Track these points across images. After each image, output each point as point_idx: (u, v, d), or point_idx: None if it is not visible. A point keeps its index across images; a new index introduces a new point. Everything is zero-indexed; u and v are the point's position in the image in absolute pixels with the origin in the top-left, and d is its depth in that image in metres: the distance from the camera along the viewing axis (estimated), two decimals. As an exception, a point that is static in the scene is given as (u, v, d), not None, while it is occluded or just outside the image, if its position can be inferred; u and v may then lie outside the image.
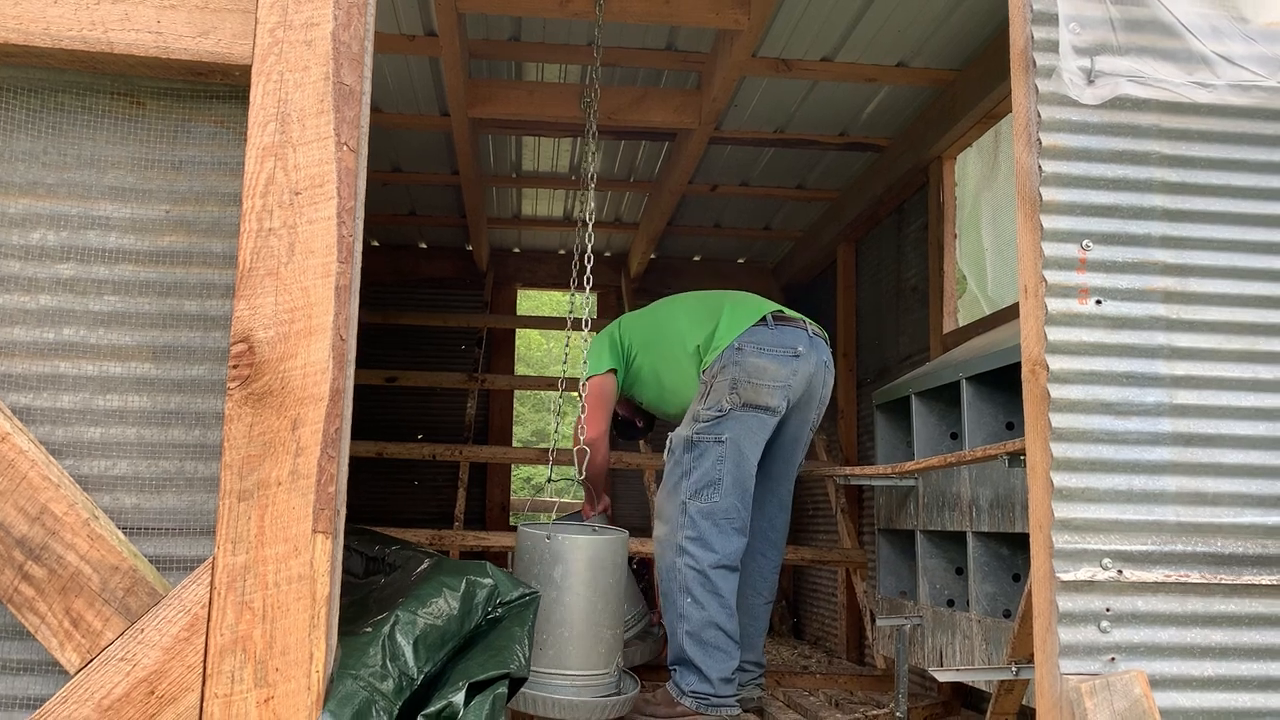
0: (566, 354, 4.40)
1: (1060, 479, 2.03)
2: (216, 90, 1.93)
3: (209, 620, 1.74)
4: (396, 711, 1.90)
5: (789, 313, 4.06)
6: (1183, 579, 2.03)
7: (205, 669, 1.73)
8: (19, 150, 1.92)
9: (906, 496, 4.29)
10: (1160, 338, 2.10)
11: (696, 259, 8.14)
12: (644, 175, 6.48)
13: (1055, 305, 2.08)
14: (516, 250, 8.04)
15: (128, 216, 1.92)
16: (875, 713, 4.17)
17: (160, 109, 1.94)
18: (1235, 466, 2.08)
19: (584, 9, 4.19)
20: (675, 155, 5.81)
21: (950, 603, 4.04)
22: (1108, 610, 2.01)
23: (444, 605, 2.15)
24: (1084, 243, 2.11)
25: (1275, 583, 2.04)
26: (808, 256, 7.23)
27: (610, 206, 7.13)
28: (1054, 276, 2.09)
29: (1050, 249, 2.10)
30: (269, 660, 1.74)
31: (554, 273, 8.01)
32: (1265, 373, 2.11)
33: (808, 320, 4.10)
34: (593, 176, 4.21)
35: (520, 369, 11.21)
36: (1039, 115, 2.13)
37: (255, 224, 1.82)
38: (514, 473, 8.72)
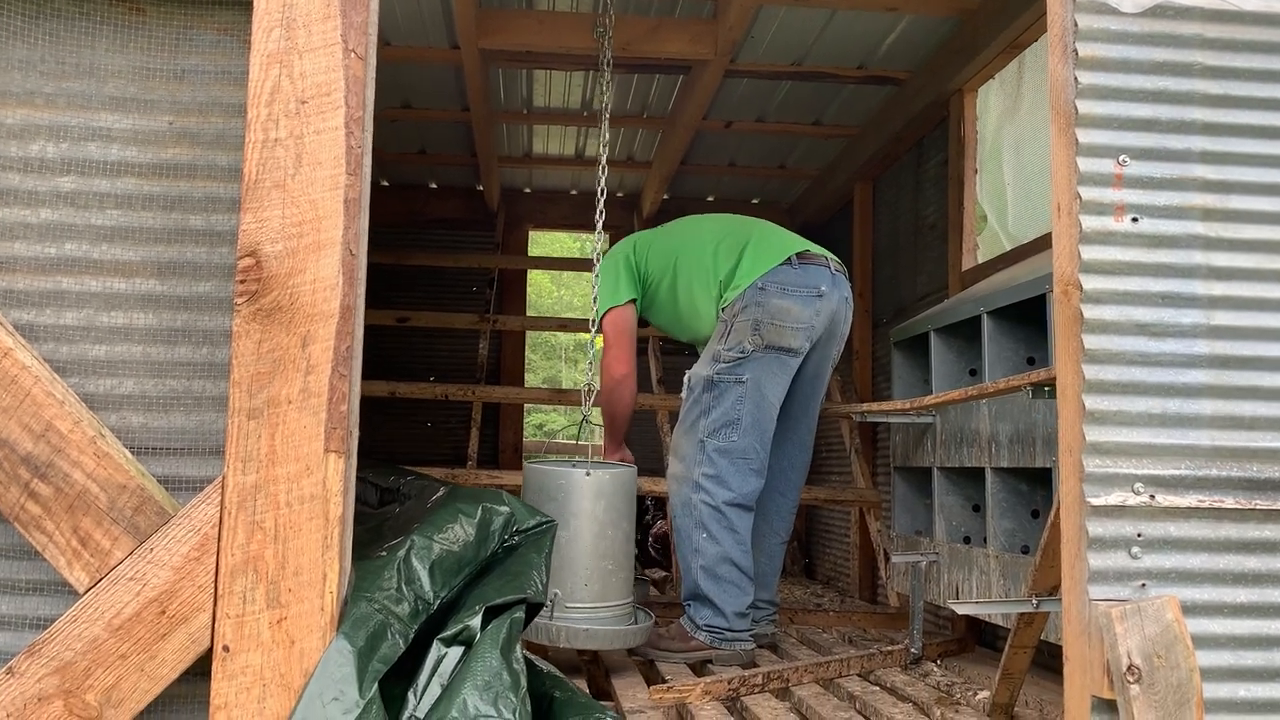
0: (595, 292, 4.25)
1: (1092, 402, 1.97)
2: (219, -5, 1.86)
3: (220, 540, 1.70)
4: (412, 635, 1.87)
5: (813, 249, 3.97)
6: (1217, 504, 1.98)
7: (217, 589, 1.70)
8: (15, 58, 1.85)
9: (924, 434, 4.24)
10: (1198, 257, 2.03)
11: (710, 199, 8.04)
12: (657, 111, 6.37)
13: (1090, 223, 2.00)
14: (528, 190, 7.95)
15: (129, 128, 1.85)
16: (890, 648, 4.15)
17: (161, 15, 1.87)
18: (1273, 390, 2.01)
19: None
20: (689, 89, 5.70)
21: (967, 540, 4.00)
22: (1139, 536, 1.96)
23: (460, 531, 2.12)
24: (1121, 158, 2.03)
25: (1312, 508, 1.98)
26: (824, 195, 7.12)
27: (623, 144, 7.03)
28: (1089, 193, 2.01)
29: (1085, 164, 2.02)
30: (281, 581, 1.70)
31: (566, 213, 7.93)
32: (1306, 293, 2.04)
33: (829, 256, 4.01)
34: (606, 105, 4.12)
35: (531, 314, 11.16)
36: (1076, 24, 2.04)
37: (260, 134, 1.75)
38: (526, 416, 8.69)
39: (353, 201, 1.76)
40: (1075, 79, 2.03)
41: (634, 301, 4.00)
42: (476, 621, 1.90)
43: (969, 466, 3.84)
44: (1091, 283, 1.99)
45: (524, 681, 1.85)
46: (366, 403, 7.50)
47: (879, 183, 6.39)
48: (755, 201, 8.02)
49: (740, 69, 5.56)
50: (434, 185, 7.74)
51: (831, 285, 3.89)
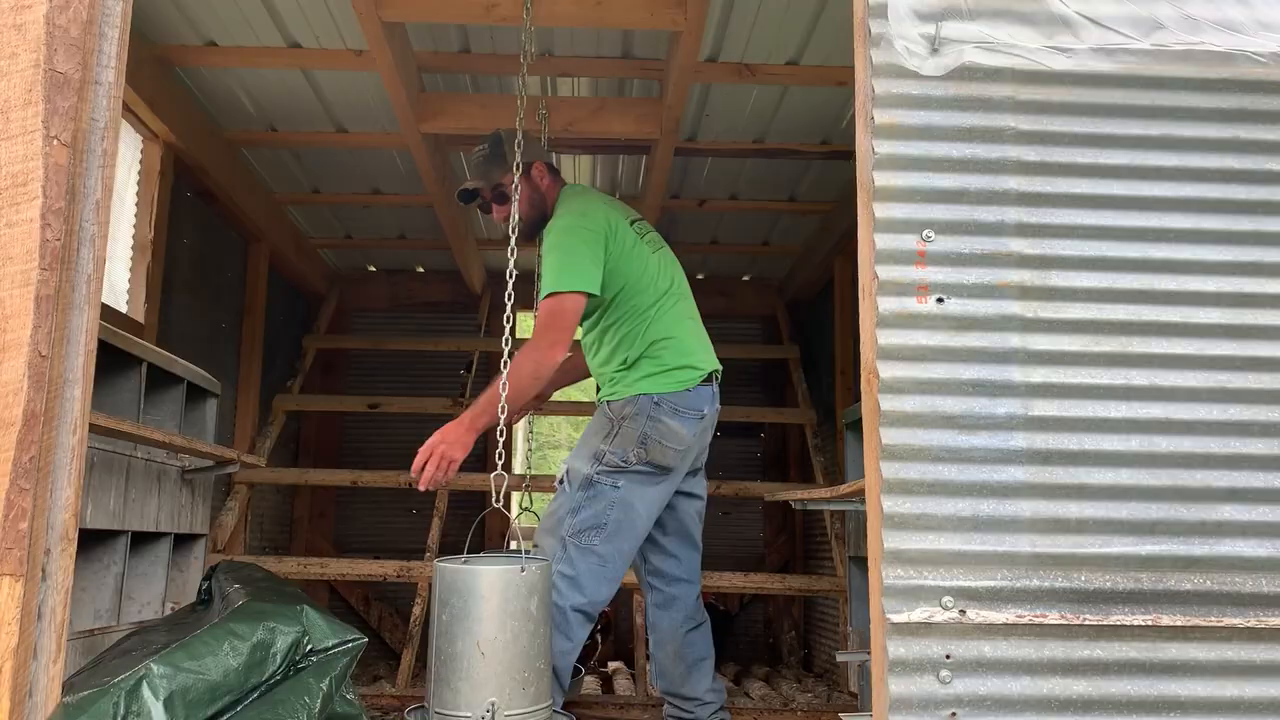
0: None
1: (891, 504, 1.76)
2: (-69, 86, 1.76)
3: None
4: None
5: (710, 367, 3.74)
6: (1039, 620, 1.74)
7: None
8: None
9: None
10: (1014, 340, 1.82)
11: (700, 277, 7.91)
12: (627, 191, 6.28)
13: (888, 305, 1.81)
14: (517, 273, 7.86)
15: None
16: (841, 756, 3.86)
17: None
18: (1102, 488, 1.78)
19: (510, 14, 3.99)
20: (649, 169, 5.61)
21: (912, 637, 3.73)
22: (948, 657, 1.73)
23: (223, 657, 1.94)
24: (924, 233, 1.84)
25: (1149, 623, 1.74)
26: (808, 272, 6.97)
27: (599, 224, 6.93)
28: (887, 272, 1.83)
29: (884, 241, 1.84)
30: (-63, 721, 1.55)
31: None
32: (1138, 378, 1.81)
33: (716, 369, 3.78)
34: (515, 189, 3.94)
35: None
36: (873, 90, 1.87)
37: (-52, 228, 1.64)
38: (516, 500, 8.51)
39: (46, 299, 1.63)
40: (872, 148, 1.86)
41: (590, 298, 3.46)
42: None
43: (909, 559, 3.59)
44: (890, 370, 1.80)
45: None
46: (345, 492, 7.33)
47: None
48: (746, 279, 7.88)
49: (700, 147, 5.48)
50: (420, 269, 7.70)
51: (710, 404, 3.69)
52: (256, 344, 6.36)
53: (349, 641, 2.15)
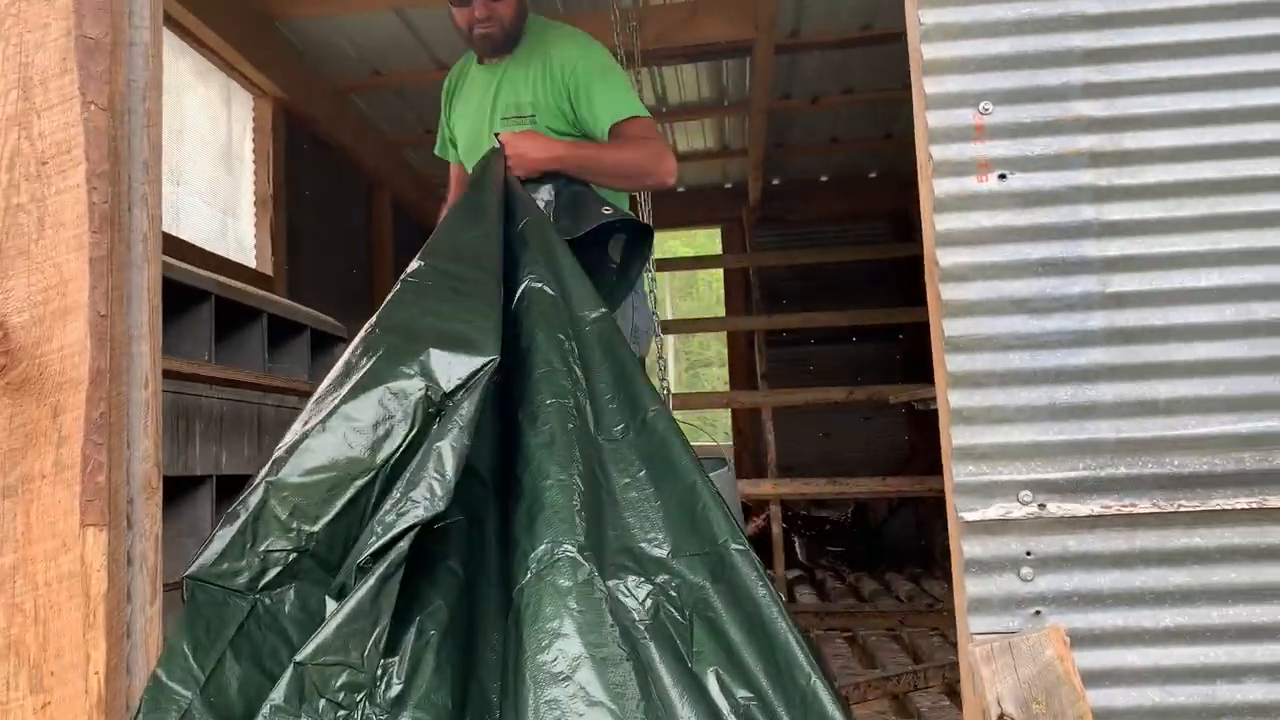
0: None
1: (958, 398, 1.66)
2: (-18, 66, 1.83)
3: (-19, 625, 1.67)
4: None
5: None
6: (1128, 510, 1.62)
7: (-20, 675, 1.66)
8: None
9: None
10: (1087, 212, 1.68)
11: (824, 179, 7.71)
12: (735, 97, 6.14)
13: (945, 187, 1.70)
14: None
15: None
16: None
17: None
18: (1195, 364, 1.64)
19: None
20: (752, 71, 5.45)
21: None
22: (1028, 554, 1.64)
23: (340, 448, 1.86)
24: (981, 105, 1.71)
25: (1255, 505, 1.60)
26: (936, 162, 6.67)
27: (711, 134, 6.81)
28: (942, 152, 1.70)
29: (937, 118, 1.71)
30: (44, 664, 1.64)
31: (677, 212, 7.75)
32: (1229, 241, 1.64)
33: None
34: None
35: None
36: (915, -45, 1.73)
37: (3, 201, 1.70)
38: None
39: (99, 260, 1.68)
40: (919, 19, 1.73)
41: None
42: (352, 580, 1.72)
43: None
44: (950, 257, 1.68)
45: None
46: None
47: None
48: (873, 175, 7.62)
49: (804, 42, 5.29)
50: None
51: None
52: (386, 285, 6.51)
53: (474, 375, 1.87)
